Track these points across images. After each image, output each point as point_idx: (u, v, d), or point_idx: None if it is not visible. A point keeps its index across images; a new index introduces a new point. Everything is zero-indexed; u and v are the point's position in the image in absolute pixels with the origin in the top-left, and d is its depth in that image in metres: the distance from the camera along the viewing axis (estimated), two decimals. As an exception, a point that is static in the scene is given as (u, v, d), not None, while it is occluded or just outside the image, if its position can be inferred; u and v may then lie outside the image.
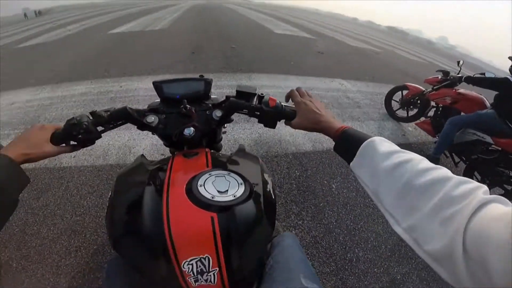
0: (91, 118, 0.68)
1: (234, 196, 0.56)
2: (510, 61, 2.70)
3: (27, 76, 4.53)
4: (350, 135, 0.57)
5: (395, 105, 3.93)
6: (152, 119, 0.74)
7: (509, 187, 2.58)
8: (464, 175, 2.84)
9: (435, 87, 3.27)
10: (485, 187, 0.38)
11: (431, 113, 3.41)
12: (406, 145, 3.39)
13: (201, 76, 0.82)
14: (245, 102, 0.73)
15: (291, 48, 7.60)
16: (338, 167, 2.56)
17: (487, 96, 2.85)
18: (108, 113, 0.70)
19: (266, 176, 0.72)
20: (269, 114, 0.72)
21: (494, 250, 0.29)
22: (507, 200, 0.35)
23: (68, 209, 1.86)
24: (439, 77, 3.31)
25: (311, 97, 0.72)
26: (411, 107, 3.70)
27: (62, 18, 15.41)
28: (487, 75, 2.80)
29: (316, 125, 0.65)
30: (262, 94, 0.76)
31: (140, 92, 3.72)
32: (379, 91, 5.08)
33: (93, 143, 0.69)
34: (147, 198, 0.57)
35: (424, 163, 0.44)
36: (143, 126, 0.75)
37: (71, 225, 1.74)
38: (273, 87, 4.19)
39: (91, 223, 1.76)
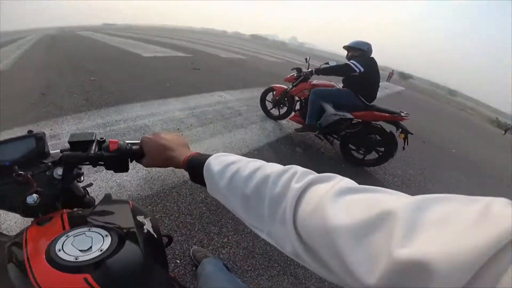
0: None
1: (101, 251, 0.52)
2: (345, 50, 3.44)
3: None
4: (194, 163, 0.54)
5: (269, 105, 4.41)
6: None
7: (381, 149, 3.20)
8: (341, 149, 3.51)
9: (294, 84, 3.79)
10: (299, 170, 0.38)
11: (298, 107, 3.96)
12: (286, 137, 3.91)
13: (30, 132, 0.70)
14: (81, 153, 0.65)
15: (165, 70, 7.40)
16: None
17: (337, 82, 3.56)
18: None
19: (140, 218, 0.66)
20: (112, 159, 0.66)
21: (321, 243, 0.29)
22: (330, 176, 0.35)
23: None
24: (295, 74, 3.85)
25: (160, 133, 0.66)
26: (281, 105, 4.20)
27: None
28: (331, 63, 3.40)
29: (165, 161, 0.60)
30: (102, 138, 0.69)
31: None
32: (252, 95, 5.65)
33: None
34: (14, 281, 0.50)
35: (248, 167, 0.43)
36: None
37: None
38: (151, 115, 3.94)
39: None
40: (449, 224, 0.22)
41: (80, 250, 0.52)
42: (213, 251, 1.85)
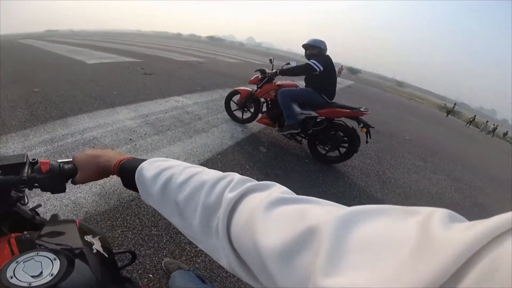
0: None
1: (52, 275, 0.50)
2: (303, 48, 3.54)
3: None
4: (126, 168, 0.51)
5: (234, 108, 4.36)
6: None
7: (345, 145, 3.33)
8: (309, 148, 3.61)
9: (259, 86, 3.79)
10: (235, 177, 0.36)
11: (265, 108, 3.94)
12: (249, 138, 3.91)
13: None
14: (14, 177, 0.61)
15: (111, 77, 6.92)
16: None
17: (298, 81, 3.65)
18: None
19: (89, 237, 0.65)
20: (47, 181, 0.62)
21: (253, 260, 0.27)
22: (268, 185, 0.34)
23: None
24: (259, 76, 3.82)
25: (92, 149, 0.64)
26: (246, 108, 4.15)
27: None
28: (292, 64, 3.51)
29: (98, 169, 0.57)
30: (34, 159, 0.65)
31: None
32: (212, 97, 5.58)
33: None
34: None
35: (184, 173, 0.41)
36: None
37: None
38: (100, 126, 3.64)
39: None
40: (381, 246, 0.19)
41: (32, 276, 0.50)
42: (187, 262, 1.78)
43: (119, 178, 0.54)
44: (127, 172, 0.50)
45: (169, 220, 0.43)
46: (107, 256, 0.64)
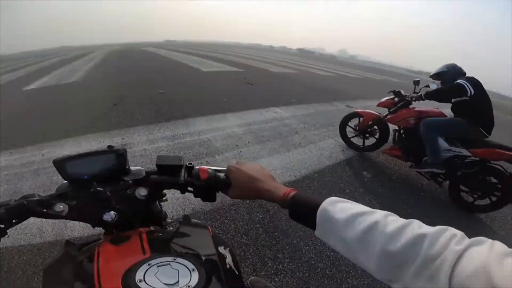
0: None
1: (189, 287, 0.46)
2: (433, 80, 2.99)
3: None
4: (300, 202, 0.52)
5: (350, 133, 3.83)
6: (60, 208, 0.61)
7: (498, 193, 2.60)
8: (450, 192, 2.88)
9: (391, 110, 3.20)
10: (458, 234, 0.38)
11: (396, 137, 3.32)
12: (350, 160, 3.63)
13: (111, 147, 0.69)
14: (171, 179, 0.65)
15: (221, 84, 7.75)
16: None
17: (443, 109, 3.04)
18: (3, 210, 0.55)
19: (221, 248, 0.63)
20: (201, 189, 0.65)
21: None
22: (483, 240, 0.36)
23: None
24: (394, 99, 3.25)
25: (244, 163, 0.65)
26: (368, 135, 3.57)
27: None
28: (432, 86, 2.92)
29: (255, 193, 0.59)
30: (190, 163, 0.67)
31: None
32: (308, 112, 5.53)
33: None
34: None
35: (392, 224, 0.42)
36: (52, 217, 0.61)
37: None
38: (213, 130, 4.10)
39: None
40: None
41: (166, 284, 0.47)
42: (266, 277, 1.77)
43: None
44: (301, 206, 0.51)
45: (356, 261, 0.44)
46: (237, 273, 0.61)
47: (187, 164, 0.67)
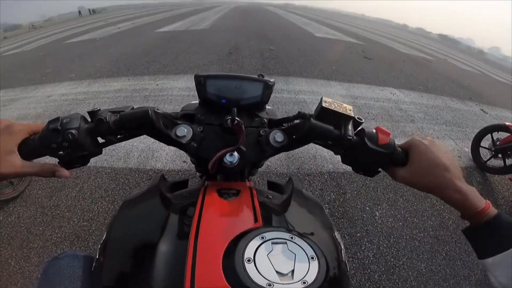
0: (87, 122, 0.46)
1: (304, 284, 0.35)
2: None
3: (69, 71, 4.75)
4: (504, 223, 0.40)
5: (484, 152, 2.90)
6: (184, 131, 0.54)
7: None
8: None
9: None
10: None
11: None
12: (467, 169, 2.75)
13: (261, 76, 0.60)
14: (333, 130, 0.49)
15: (333, 53, 7.13)
16: (385, 191, 2.17)
17: None
18: (118, 117, 0.48)
19: (337, 234, 0.52)
20: (373, 157, 0.49)
21: None
22: None
23: (78, 212, 1.78)
24: None
25: (435, 142, 0.48)
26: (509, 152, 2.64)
27: (114, 17, 16.73)
28: None
29: (437, 185, 0.44)
30: (360, 118, 0.51)
31: (175, 91, 3.63)
32: (434, 103, 4.44)
33: (85, 163, 0.48)
34: (162, 256, 0.39)
35: None
36: (170, 141, 0.54)
37: (77, 230, 1.66)
38: (312, 93, 3.79)
39: (96, 230, 1.66)
40: None
41: (278, 272, 0.35)
42: None
43: None
44: (503, 228, 0.40)
45: None
46: (347, 270, 0.50)
47: (356, 117, 0.51)
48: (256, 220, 0.44)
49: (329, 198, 2.04)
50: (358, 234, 1.76)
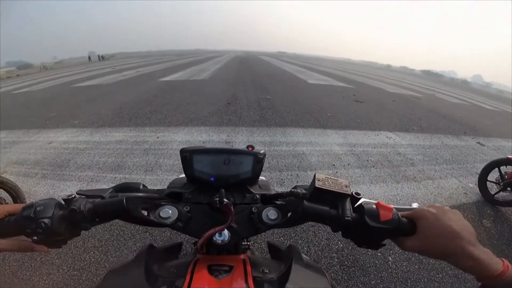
0: (62, 208, 0.46)
1: None
2: None
3: (73, 116, 4.91)
4: None
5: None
6: (168, 213, 0.52)
7: None
8: None
9: None
10: None
11: None
12: (471, 205, 2.75)
13: (250, 147, 0.59)
14: (329, 210, 0.47)
15: (326, 98, 7.47)
16: None
17: None
18: (91, 205, 0.47)
19: None
20: (376, 233, 0.47)
21: None
22: None
23: (68, 260, 1.73)
24: None
25: (443, 209, 0.47)
26: None
27: (121, 64, 17.82)
28: None
29: (450, 253, 0.42)
30: (358, 194, 0.50)
31: (174, 145, 3.69)
32: (431, 143, 4.52)
33: (63, 244, 0.48)
34: None
35: None
36: (152, 224, 0.51)
37: (66, 279, 1.60)
38: (310, 144, 3.86)
39: (86, 281, 1.60)
40: None
41: None
42: None
43: None
44: None
45: None
46: None
47: (353, 193, 0.49)
48: None
49: (336, 247, 1.96)
50: (373, 282, 1.68)
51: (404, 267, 1.82)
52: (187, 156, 0.55)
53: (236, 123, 4.57)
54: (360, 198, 0.50)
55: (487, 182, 2.83)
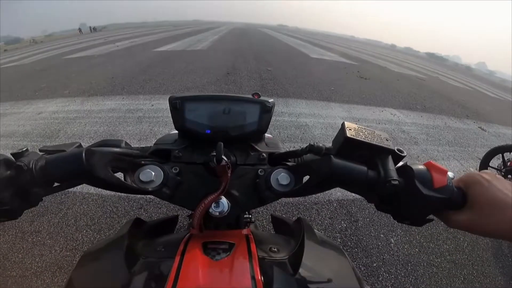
0: (10, 166, 0.33)
1: None
2: None
3: (64, 87, 4.66)
4: None
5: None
6: (150, 175, 0.40)
7: None
8: None
9: None
10: None
11: None
12: None
13: (256, 95, 0.48)
14: (367, 171, 0.36)
15: (330, 73, 7.21)
16: None
17: None
18: (43, 161, 0.34)
19: None
20: (425, 203, 0.35)
21: None
22: None
23: (60, 240, 1.65)
24: None
25: (496, 177, 0.36)
26: None
27: (114, 35, 16.94)
28: None
29: (507, 227, 0.32)
30: (400, 151, 0.38)
31: (170, 113, 3.51)
32: (434, 123, 4.44)
33: (15, 217, 0.34)
34: None
35: None
36: (128, 190, 0.39)
37: (59, 260, 1.54)
38: (312, 116, 3.72)
39: None
40: None
41: None
42: None
43: None
44: None
45: None
46: None
47: (396, 149, 0.38)
48: (255, 285, 0.32)
49: (340, 227, 1.91)
50: (375, 264, 1.66)
51: (405, 249, 1.81)
52: (178, 104, 0.45)
53: (236, 92, 4.37)
54: (403, 157, 0.39)
55: (489, 168, 2.76)
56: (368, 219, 2.01)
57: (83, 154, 0.33)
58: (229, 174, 0.40)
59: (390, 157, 0.37)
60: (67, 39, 15.06)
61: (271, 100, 0.47)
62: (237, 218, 0.50)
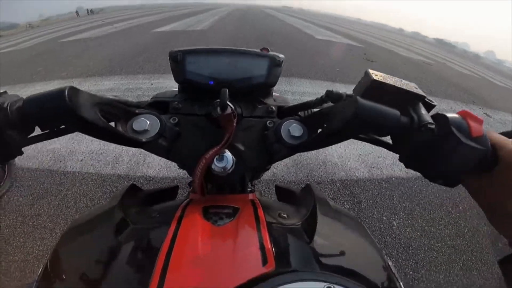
0: None
1: None
2: None
3: (61, 69, 4.56)
4: None
5: None
6: (145, 124, 0.35)
7: None
8: None
9: None
10: None
11: None
12: None
13: (265, 49, 0.45)
14: (400, 115, 0.31)
15: (335, 54, 7.06)
16: (401, 199, 2.07)
17: None
18: (21, 102, 0.31)
19: (393, 268, 0.32)
20: (462, 156, 0.29)
21: None
22: None
23: (61, 223, 1.62)
24: None
25: None
26: None
27: (112, 17, 16.49)
28: None
29: None
30: (430, 100, 0.35)
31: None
32: (440, 107, 4.37)
33: None
34: None
35: None
36: (120, 139, 0.34)
37: None
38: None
39: None
40: None
41: None
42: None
43: None
44: None
45: None
46: None
47: (427, 99, 0.36)
48: (265, 260, 0.26)
49: (343, 207, 1.89)
50: None
51: (407, 233, 1.80)
52: (178, 57, 0.41)
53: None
54: (434, 106, 0.36)
55: None
56: (371, 201, 1.99)
57: (66, 91, 0.29)
58: (234, 124, 0.35)
59: (420, 104, 0.34)
60: (64, 23, 14.65)
61: (281, 55, 0.44)
62: (242, 181, 0.45)
